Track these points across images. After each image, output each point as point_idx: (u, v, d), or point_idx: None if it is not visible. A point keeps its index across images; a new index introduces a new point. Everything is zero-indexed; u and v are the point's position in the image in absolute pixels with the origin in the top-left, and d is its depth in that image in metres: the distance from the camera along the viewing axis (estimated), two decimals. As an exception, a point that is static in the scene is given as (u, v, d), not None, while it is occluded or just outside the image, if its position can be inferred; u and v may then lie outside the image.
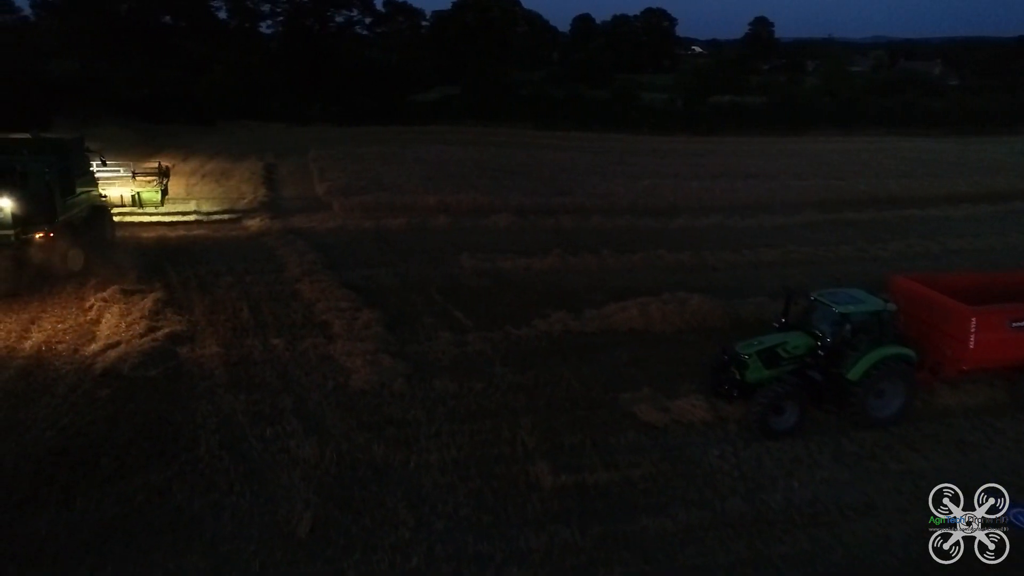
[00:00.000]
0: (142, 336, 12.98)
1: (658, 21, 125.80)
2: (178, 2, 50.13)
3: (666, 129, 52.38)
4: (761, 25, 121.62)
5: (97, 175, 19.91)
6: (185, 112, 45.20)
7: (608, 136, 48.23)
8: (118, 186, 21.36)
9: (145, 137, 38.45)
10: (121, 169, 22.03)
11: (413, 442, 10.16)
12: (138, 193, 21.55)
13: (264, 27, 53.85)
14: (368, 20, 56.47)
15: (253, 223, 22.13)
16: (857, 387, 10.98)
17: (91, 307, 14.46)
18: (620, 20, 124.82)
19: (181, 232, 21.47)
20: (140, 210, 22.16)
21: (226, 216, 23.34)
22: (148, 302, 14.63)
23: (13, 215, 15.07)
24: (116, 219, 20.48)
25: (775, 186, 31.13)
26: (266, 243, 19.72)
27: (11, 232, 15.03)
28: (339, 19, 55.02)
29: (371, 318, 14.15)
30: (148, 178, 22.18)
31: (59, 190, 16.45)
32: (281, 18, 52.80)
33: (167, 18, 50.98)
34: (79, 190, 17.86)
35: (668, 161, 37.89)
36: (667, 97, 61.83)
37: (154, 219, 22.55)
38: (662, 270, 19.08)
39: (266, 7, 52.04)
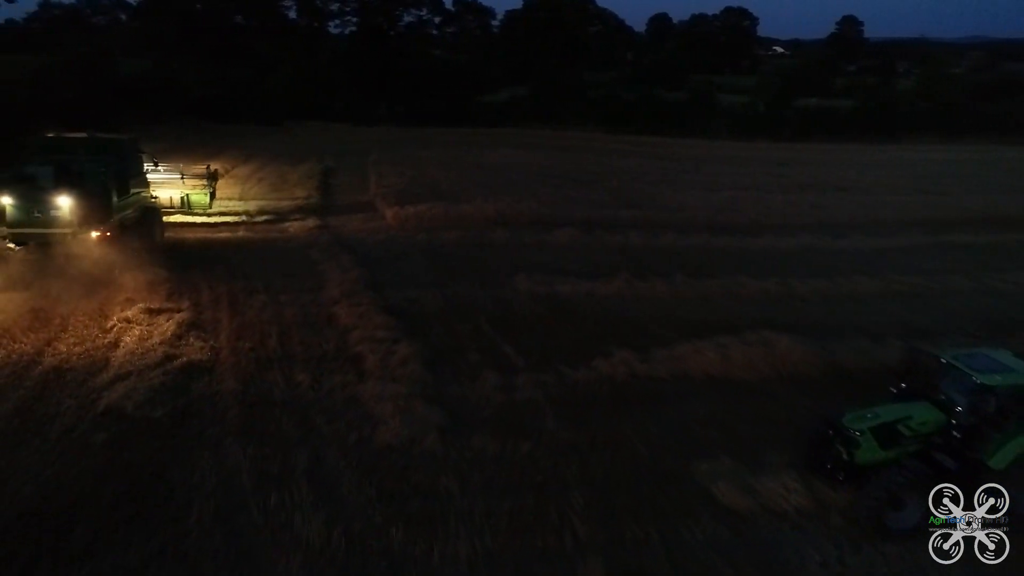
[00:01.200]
0: (156, 366, 11.72)
1: (738, 20, 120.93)
2: (250, 2, 50.24)
3: (746, 134, 49.32)
4: (849, 24, 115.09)
5: (149, 176, 19.96)
6: (252, 112, 45.17)
7: (683, 141, 45.67)
8: (168, 188, 21.28)
9: (210, 137, 38.35)
10: (172, 171, 21.76)
11: (440, 523, 8.40)
12: (187, 195, 21.43)
13: (332, 27, 53.55)
14: (437, 19, 55.45)
15: (300, 231, 21.06)
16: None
17: (112, 327, 13.36)
18: (698, 19, 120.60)
19: (226, 235, 20.69)
20: (189, 213, 21.88)
21: (274, 222, 22.35)
22: (172, 324, 13.44)
23: (73, 214, 15.26)
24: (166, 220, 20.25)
25: (870, 201, 28.15)
26: (310, 256, 18.43)
27: (69, 230, 15.21)
28: (408, 18, 54.22)
29: (409, 352, 12.51)
30: (198, 181, 21.78)
31: (115, 190, 16.52)
32: (350, 17, 52.33)
33: (239, 18, 51.17)
34: (132, 191, 17.81)
35: (749, 170, 35.23)
36: (747, 100, 58.39)
37: (203, 221, 21.90)
38: (743, 301, 16.82)
39: (335, 6, 51.67)
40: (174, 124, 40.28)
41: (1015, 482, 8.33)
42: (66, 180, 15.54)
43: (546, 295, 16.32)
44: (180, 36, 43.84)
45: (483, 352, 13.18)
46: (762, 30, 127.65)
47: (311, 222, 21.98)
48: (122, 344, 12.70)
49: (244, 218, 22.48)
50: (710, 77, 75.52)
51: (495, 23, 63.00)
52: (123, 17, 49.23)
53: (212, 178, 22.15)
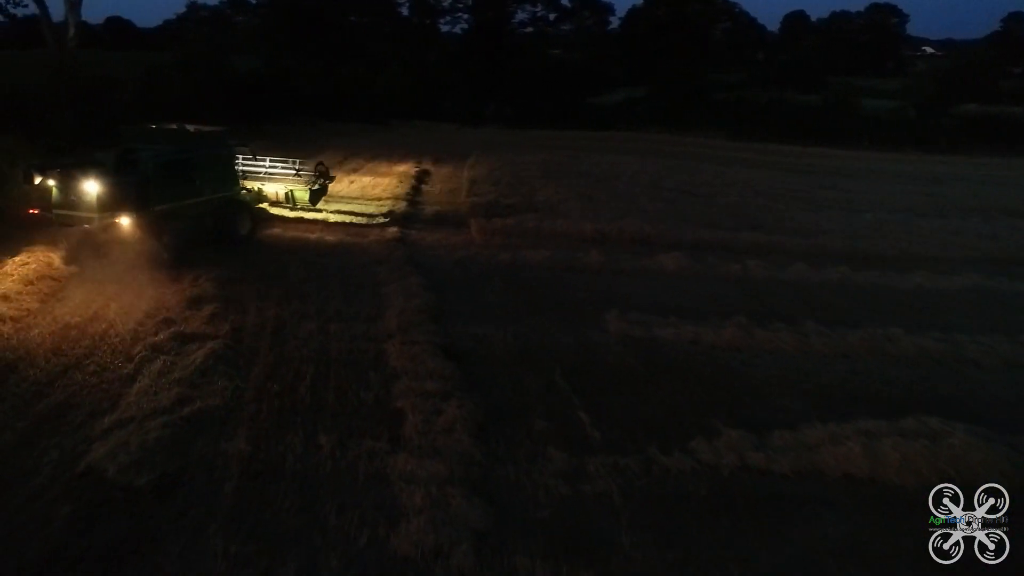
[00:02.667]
0: (164, 412, 9.94)
1: (885, 18, 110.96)
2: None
3: (893, 144, 43.59)
4: (1015, 21, 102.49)
5: (255, 170, 20.71)
6: (359, 111, 44.66)
7: (818, 151, 40.79)
8: (276, 182, 20.81)
9: (315, 134, 37.92)
10: (281, 165, 21.23)
11: None
12: (291, 191, 20.64)
13: (443, 24, 52.34)
14: (552, 16, 53.00)
15: (377, 241, 19.19)
16: None
17: (137, 355, 11.83)
18: (839, 17, 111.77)
19: (300, 236, 19.60)
20: (294, 209, 21.35)
21: (354, 227, 20.70)
22: (201, 355, 11.69)
23: (99, 199, 15.11)
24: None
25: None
26: (377, 274, 16.44)
27: (95, 215, 15.22)
28: (522, 15, 52.17)
29: (459, 414, 10.10)
30: (306, 176, 20.96)
31: (162, 179, 16.27)
32: (462, 14, 50.95)
33: (353, 17, 50.99)
34: (201, 182, 17.36)
35: (897, 187, 30.44)
36: (896, 105, 52.01)
37: (293, 216, 21.21)
38: (894, 362, 13.25)
39: (447, 2, 50.41)
40: (283, 121, 40.27)
41: None
42: (123, 167, 15.95)
43: (641, 340, 13.47)
44: (293, 34, 43.99)
45: (552, 418, 10.57)
46: (909, 28, 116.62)
47: (391, 232, 20.13)
48: (140, 378, 11.06)
49: (323, 223, 20.98)
50: (849, 79, 68.80)
51: (613, 20, 60.00)
52: (240, 17, 49.88)
53: (323, 175, 21.08)
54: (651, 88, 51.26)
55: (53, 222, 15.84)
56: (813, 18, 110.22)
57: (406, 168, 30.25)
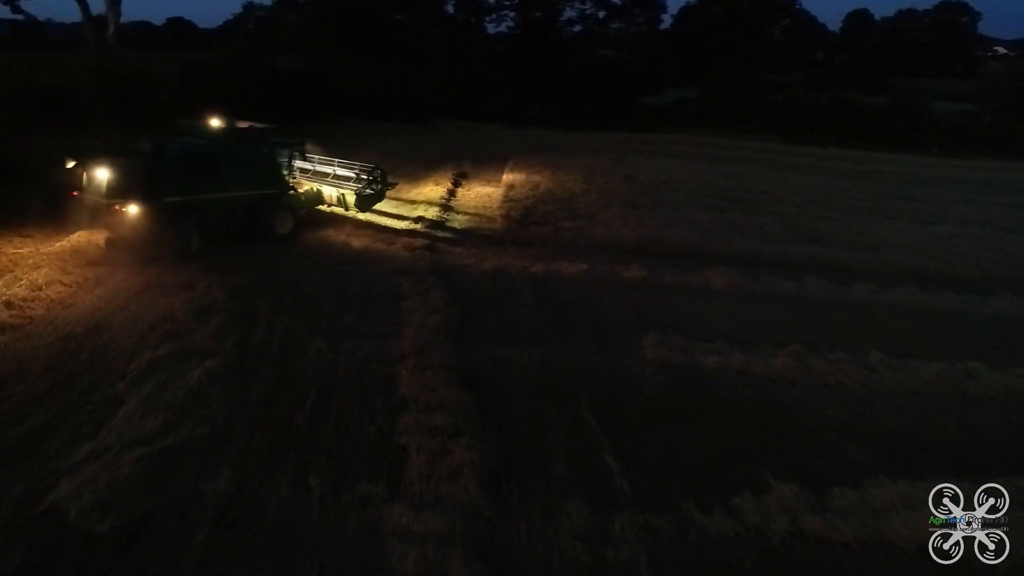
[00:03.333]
0: (143, 442, 9.03)
1: (954, 16, 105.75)
2: (412, -2, 49.30)
3: (966, 148, 40.73)
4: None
5: (316, 170, 20.61)
6: (401, 110, 43.94)
7: (883, 156, 38.32)
8: (333, 184, 20.21)
9: (355, 134, 37.22)
10: (341, 168, 20.58)
11: None
12: (344, 195, 19.86)
13: (488, 21, 51.18)
14: (602, 14, 51.35)
15: (403, 249, 18.13)
16: None
17: (131, 372, 10.99)
18: (905, 16, 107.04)
19: (324, 239, 19.00)
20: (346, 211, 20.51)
21: (382, 232, 19.68)
22: (198, 374, 10.82)
23: (108, 185, 15.77)
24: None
25: None
26: (400, 285, 15.36)
27: (103, 200, 15.80)
28: (570, 13, 50.67)
29: (468, 457, 8.90)
30: (362, 179, 20.01)
31: (175, 171, 16.54)
32: (507, 12, 49.71)
33: (399, 15, 50.30)
34: (230, 177, 17.46)
35: (973, 196, 28.10)
36: (971, 107, 48.76)
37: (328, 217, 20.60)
38: (975, 403, 11.53)
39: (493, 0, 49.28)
40: (324, 120, 39.81)
41: None
42: (153, 157, 16.61)
43: (681, 369, 12.05)
44: (338, 32, 43.55)
45: (574, 463, 9.27)
46: (980, 28, 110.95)
47: (419, 240, 19.05)
48: (128, 400, 10.20)
49: (349, 225, 20.10)
50: (914, 80, 65.32)
51: (666, 19, 58.15)
52: (293, 17, 49.73)
53: (379, 180, 20.04)
54: (703, 89, 49.17)
55: (82, 205, 16.56)
56: (877, 17, 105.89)
57: (444, 170, 29.21)
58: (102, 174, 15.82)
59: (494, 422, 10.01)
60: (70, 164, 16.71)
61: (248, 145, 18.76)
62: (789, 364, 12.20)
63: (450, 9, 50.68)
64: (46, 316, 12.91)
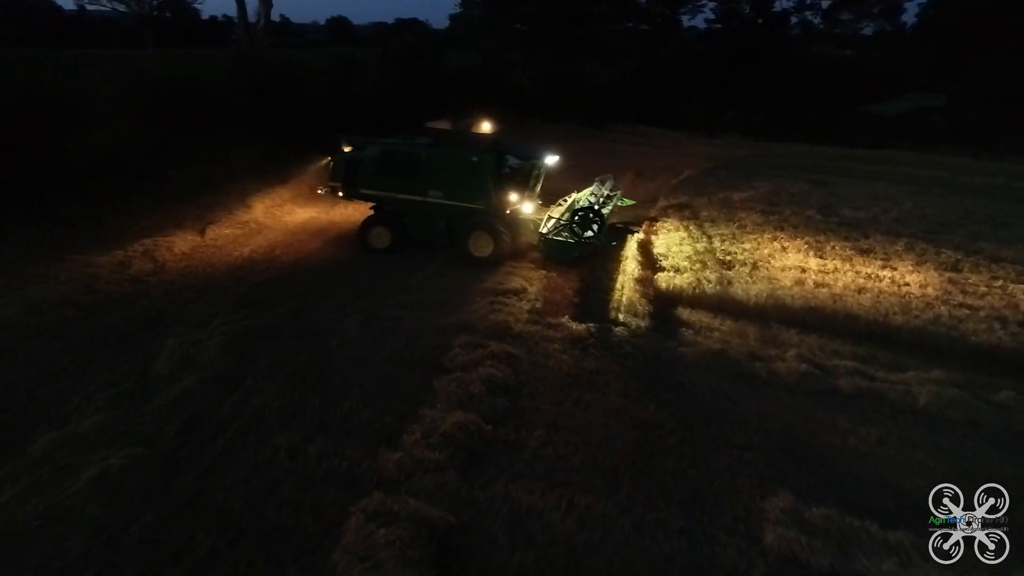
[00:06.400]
0: None
1: None
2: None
3: None
4: None
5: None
6: (579, 111, 40.04)
7: None
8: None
9: (521, 136, 34.04)
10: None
11: None
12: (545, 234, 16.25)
13: (684, 14, 45.15)
14: (826, 4, 43.12)
15: (478, 295, 14.11)
16: None
17: (32, 452, 8.27)
18: None
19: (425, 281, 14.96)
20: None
21: (470, 271, 15.86)
22: (90, 475, 7.83)
23: (326, 171, 17.45)
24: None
25: None
26: (450, 349, 11.44)
27: (324, 186, 17.70)
28: (786, 3, 43.14)
29: None
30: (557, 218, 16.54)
31: (372, 166, 16.68)
32: (706, 4, 43.44)
33: (595, 7, 46.06)
34: (428, 183, 16.29)
35: None
36: None
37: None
38: None
39: (690, -9, 43.34)
40: (494, 120, 37.16)
41: None
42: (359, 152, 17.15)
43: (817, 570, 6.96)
44: (520, 26, 40.68)
45: None
46: None
47: (512, 282, 14.94)
48: (-22, 507, 7.46)
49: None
50: None
51: (907, 10, 47.96)
52: (475, 12, 47.80)
53: (584, 222, 15.78)
54: (950, 95, 39.05)
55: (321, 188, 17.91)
56: None
57: (591, 188, 24.70)
58: (325, 163, 17.41)
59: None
60: (346, 148, 17.51)
61: (458, 150, 16.59)
62: None
63: (643, 1, 45.50)
64: None
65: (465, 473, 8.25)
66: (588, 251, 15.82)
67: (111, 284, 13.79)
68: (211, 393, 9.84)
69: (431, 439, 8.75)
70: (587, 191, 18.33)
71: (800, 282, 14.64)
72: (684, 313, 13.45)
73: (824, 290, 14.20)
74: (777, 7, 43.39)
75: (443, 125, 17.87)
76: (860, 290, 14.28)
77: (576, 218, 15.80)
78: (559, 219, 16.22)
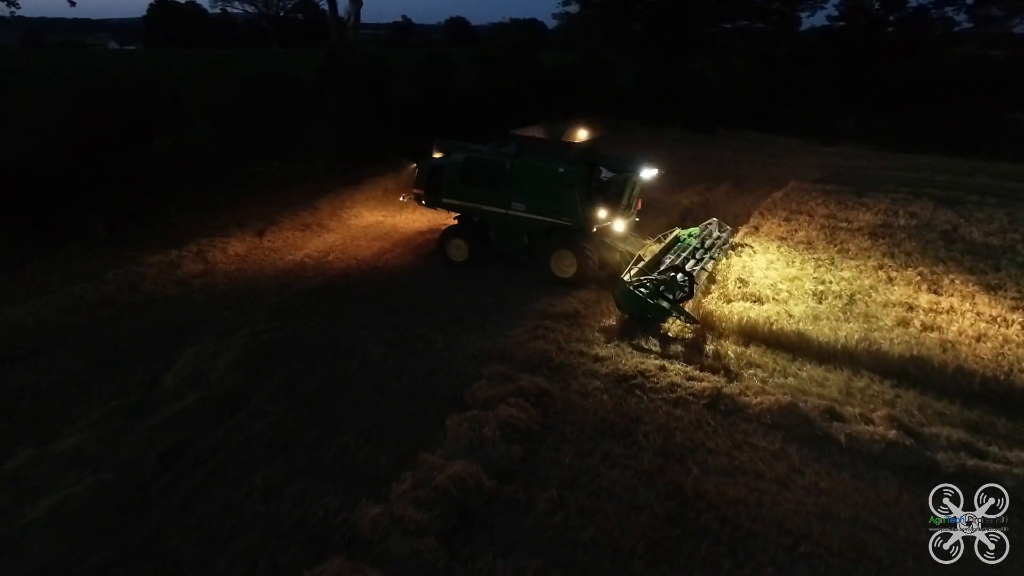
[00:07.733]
0: None
1: None
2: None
3: None
4: None
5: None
6: (685, 114, 37.77)
7: None
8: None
9: (616, 141, 32.40)
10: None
11: None
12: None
13: (801, 10, 41.50)
14: (971, 0, 38.34)
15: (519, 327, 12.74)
16: None
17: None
18: None
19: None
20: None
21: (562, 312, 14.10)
22: (46, 504, 7.28)
23: (414, 177, 16.60)
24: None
25: None
26: (478, 381, 10.27)
27: (410, 193, 17.00)
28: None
29: None
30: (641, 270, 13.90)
31: (455, 175, 15.65)
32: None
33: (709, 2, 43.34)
34: (513, 194, 14.99)
35: None
36: None
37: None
38: None
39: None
40: (596, 124, 35.65)
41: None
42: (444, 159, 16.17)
43: None
44: (620, 24, 38.85)
45: None
46: None
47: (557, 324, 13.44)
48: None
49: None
50: None
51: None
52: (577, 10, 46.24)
53: (664, 286, 12.83)
54: None
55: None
56: None
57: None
58: (412, 168, 16.62)
59: None
60: (436, 154, 16.50)
61: (546, 160, 14.66)
62: None
63: (759, -1, 42.41)
64: None
65: (449, 541, 7.08)
66: (663, 317, 12.86)
67: (155, 285, 13.64)
68: (209, 414, 9.21)
69: (421, 492, 7.64)
70: (691, 232, 16.01)
71: (904, 323, 12.41)
72: (756, 353, 11.64)
73: (933, 335, 11.92)
74: (913, 2, 39.08)
75: (534, 131, 15.65)
76: (980, 337, 11.88)
77: (668, 279, 12.98)
78: (646, 267, 13.46)
